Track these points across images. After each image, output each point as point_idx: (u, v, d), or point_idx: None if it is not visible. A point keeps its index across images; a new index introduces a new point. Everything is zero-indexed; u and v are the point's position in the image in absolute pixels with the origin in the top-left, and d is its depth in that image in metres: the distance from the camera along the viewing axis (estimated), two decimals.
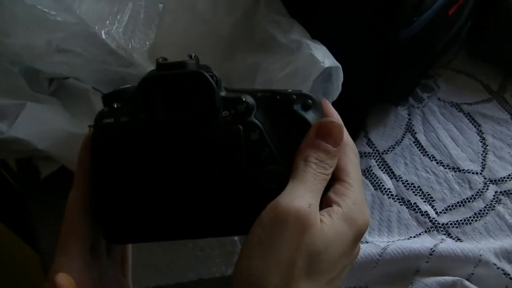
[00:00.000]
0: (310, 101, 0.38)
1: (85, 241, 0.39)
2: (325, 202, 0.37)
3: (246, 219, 0.36)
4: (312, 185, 0.36)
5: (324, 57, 0.61)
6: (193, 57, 0.39)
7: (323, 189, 0.37)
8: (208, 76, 0.36)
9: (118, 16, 0.70)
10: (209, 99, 0.36)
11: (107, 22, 0.69)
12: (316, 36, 0.64)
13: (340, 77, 0.62)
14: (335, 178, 0.39)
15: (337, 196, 0.37)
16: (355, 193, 0.38)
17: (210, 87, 0.36)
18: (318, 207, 0.36)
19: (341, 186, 0.38)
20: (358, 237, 0.37)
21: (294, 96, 0.38)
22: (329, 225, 0.35)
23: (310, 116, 0.38)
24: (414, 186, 0.68)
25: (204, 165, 0.37)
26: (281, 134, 0.38)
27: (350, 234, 0.36)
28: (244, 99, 0.37)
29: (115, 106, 0.39)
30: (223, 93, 0.38)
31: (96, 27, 0.68)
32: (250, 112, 0.37)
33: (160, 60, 0.38)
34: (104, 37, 0.68)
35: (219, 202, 0.37)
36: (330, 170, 0.38)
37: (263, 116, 0.38)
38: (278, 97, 0.38)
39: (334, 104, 0.63)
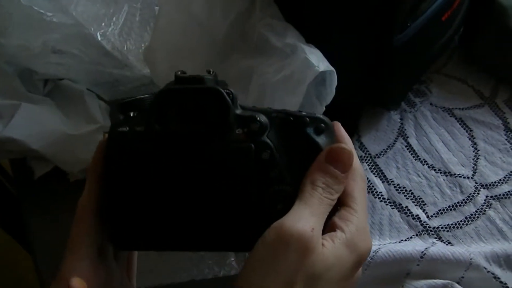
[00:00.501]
0: (323, 125, 0.39)
1: (93, 243, 0.39)
2: (329, 226, 0.38)
3: (250, 236, 0.36)
4: (317, 209, 0.37)
5: (318, 61, 0.61)
6: (211, 72, 0.39)
7: (328, 213, 0.38)
8: (225, 93, 0.37)
9: (114, 18, 0.70)
10: (223, 116, 0.37)
11: (103, 24, 0.69)
12: (311, 40, 0.64)
13: (334, 81, 0.63)
14: (341, 203, 0.39)
15: (341, 221, 0.38)
16: (359, 219, 0.38)
17: (226, 104, 0.37)
18: (321, 231, 0.36)
19: (346, 212, 0.38)
20: (359, 263, 0.38)
21: (307, 119, 0.39)
22: (330, 250, 0.36)
23: (321, 140, 0.39)
24: (406, 190, 0.68)
25: (213, 180, 0.37)
26: (292, 155, 0.38)
27: (351, 259, 0.37)
28: (258, 118, 0.38)
29: (131, 115, 0.39)
30: (238, 111, 0.38)
31: (92, 29, 0.69)
32: (263, 131, 0.38)
33: (178, 73, 0.38)
34: (99, 38, 0.68)
35: (225, 217, 0.38)
36: (336, 196, 0.38)
37: (275, 136, 0.38)
38: (291, 118, 0.39)
39: (327, 107, 0.64)
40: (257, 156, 0.37)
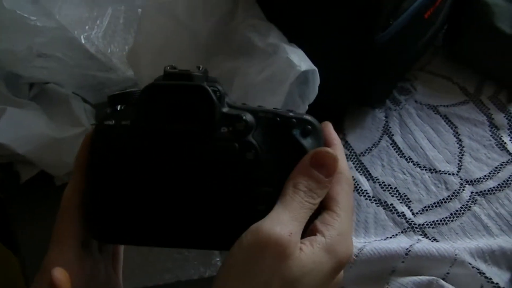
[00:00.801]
0: (309, 127, 0.38)
1: (78, 235, 0.39)
2: (310, 230, 0.37)
3: (230, 236, 0.36)
4: (297, 213, 0.36)
5: (300, 60, 0.61)
6: (200, 68, 0.39)
7: (308, 217, 0.37)
8: (211, 92, 0.37)
9: (98, 21, 0.71)
10: (208, 114, 0.37)
11: (87, 27, 0.70)
12: (294, 39, 0.65)
13: (316, 80, 0.63)
14: (324, 207, 0.39)
15: (323, 225, 0.37)
16: (341, 224, 0.37)
17: (211, 102, 0.37)
18: (299, 236, 0.36)
19: (328, 216, 0.38)
20: (338, 268, 0.37)
21: (294, 120, 0.38)
22: (308, 254, 0.35)
23: (307, 142, 0.38)
24: (391, 188, 0.69)
25: (197, 178, 0.37)
26: (276, 157, 0.38)
27: (329, 265, 0.36)
28: (244, 117, 0.37)
29: (118, 108, 0.39)
30: (225, 109, 0.38)
31: (76, 32, 0.69)
32: (248, 131, 0.37)
33: (168, 68, 0.38)
34: (83, 42, 0.69)
35: (206, 215, 0.38)
36: (318, 200, 0.38)
37: (261, 136, 0.38)
38: (278, 119, 0.38)
39: (311, 106, 0.64)
40: (241, 155, 0.37)
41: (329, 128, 0.42)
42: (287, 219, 0.35)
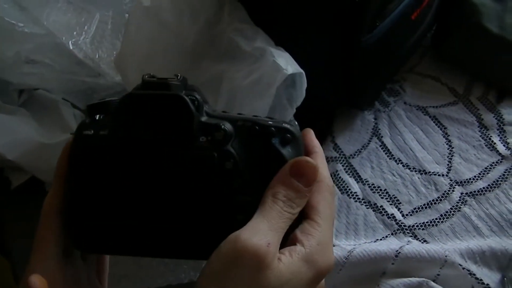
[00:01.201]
0: (289, 135, 0.38)
1: (59, 243, 0.39)
2: (290, 240, 0.37)
3: (209, 245, 0.35)
4: (275, 223, 0.36)
5: (287, 64, 0.62)
6: (179, 77, 0.38)
7: (287, 227, 0.37)
8: (188, 101, 0.36)
9: (86, 27, 0.71)
10: (186, 124, 0.37)
11: (75, 32, 0.70)
12: (280, 43, 0.65)
13: (303, 83, 0.63)
14: (305, 216, 0.38)
15: (303, 235, 0.37)
16: (321, 233, 0.37)
17: (189, 112, 0.36)
18: (277, 246, 0.36)
19: (308, 225, 0.37)
20: (317, 279, 0.37)
21: (273, 128, 0.38)
22: (286, 265, 0.35)
23: (287, 151, 0.38)
24: (381, 189, 0.69)
25: (175, 187, 0.37)
26: (256, 166, 0.38)
27: (308, 275, 0.36)
28: (222, 127, 0.37)
29: (97, 118, 0.39)
30: (203, 118, 0.37)
31: (64, 38, 0.69)
32: (227, 140, 0.37)
33: (146, 77, 0.38)
34: (71, 47, 0.69)
35: (185, 224, 0.38)
36: (297, 210, 0.37)
37: (240, 145, 0.37)
38: (257, 127, 0.38)
39: (299, 109, 0.64)
40: (220, 165, 0.37)
41: (310, 135, 0.42)
42: (265, 229, 0.35)
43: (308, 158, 0.38)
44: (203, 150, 0.37)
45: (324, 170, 0.40)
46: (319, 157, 0.41)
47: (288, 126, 0.38)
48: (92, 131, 0.38)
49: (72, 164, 0.39)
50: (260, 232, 0.35)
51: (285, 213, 0.36)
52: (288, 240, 0.37)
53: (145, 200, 0.38)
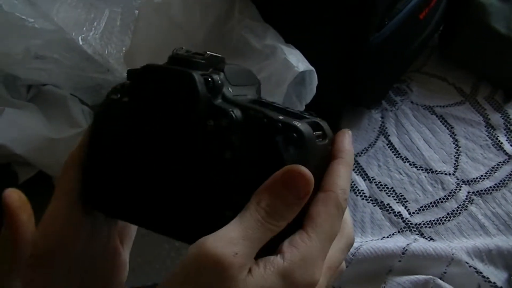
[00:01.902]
0: (294, 135, 0.34)
1: (77, 194, 0.38)
2: (278, 250, 0.33)
3: (196, 232, 0.33)
4: (252, 233, 0.31)
5: (298, 61, 0.62)
6: (205, 55, 0.36)
7: (268, 239, 0.32)
8: (196, 79, 0.34)
9: (95, 23, 0.71)
10: (191, 103, 0.35)
11: (84, 28, 0.70)
12: (290, 40, 0.65)
13: (314, 80, 0.63)
14: (302, 225, 0.34)
15: (288, 246, 0.32)
16: (310, 248, 0.32)
17: (194, 91, 0.34)
18: (248, 257, 0.31)
19: (298, 236, 0.33)
20: None
21: (280, 124, 0.34)
22: (256, 278, 0.31)
23: (288, 153, 0.33)
24: (387, 187, 0.69)
25: (173, 165, 0.37)
26: (255, 162, 0.34)
27: None
28: (230, 113, 0.34)
29: (127, 83, 0.38)
30: (218, 101, 0.35)
31: (73, 34, 0.69)
32: (231, 128, 0.34)
33: (175, 50, 0.36)
34: (81, 43, 0.69)
35: (177, 203, 0.36)
36: (283, 222, 0.33)
37: (245, 137, 0.34)
38: (265, 120, 0.34)
39: (308, 107, 0.65)
40: (219, 153, 0.34)
41: (342, 138, 0.37)
42: (237, 238, 0.31)
43: (302, 168, 0.32)
44: (206, 134, 0.35)
45: (340, 179, 0.35)
46: (341, 164, 0.35)
47: (298, 124, 0.34)
48: (118, 96, 0.38)
49: (95, 124, 0.39)
50: (230, 240, 0.31)
51: (267, 224, 0.32)
52: (275, 250, 0.33)
53: (147, 170, 0.37)
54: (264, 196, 0.32)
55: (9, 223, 0.34)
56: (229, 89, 0.36)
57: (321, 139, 0.35)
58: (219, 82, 0.35)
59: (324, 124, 0.36)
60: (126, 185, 0.38)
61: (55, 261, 0.37)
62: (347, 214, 0.37)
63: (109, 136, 0.38)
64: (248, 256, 0.31)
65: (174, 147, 0.36)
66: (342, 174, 0.35)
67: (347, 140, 0.36)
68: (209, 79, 0.34)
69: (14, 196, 0.34)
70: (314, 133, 0.35)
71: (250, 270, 0.31)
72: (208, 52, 0.36)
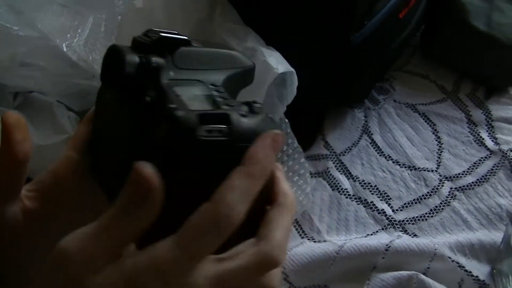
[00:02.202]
0: (168, 124, 0.31)
1: (81, 161, 0.39)
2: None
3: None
4: (105, 230, 0.30)
5: (278, 63, 0.63)
6: (154, 37, 0.35)
7: (125, 238, 0.30)
8: (125, 55, 0.34)
9: (79, 30, 0.71)
10: (118, 82, 0.34)
11: (68, 35, 0.70)
12: (271, 42, 0.66)
13: (294, 81, 0.64)
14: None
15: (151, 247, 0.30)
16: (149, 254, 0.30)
17: (122, 66, 0.34)
18: (101, 257, 0.30)
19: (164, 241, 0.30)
20: None
21: (165, 113, 0.32)
22: (99, 281, 0.29)
23: (159, 140, 0.32)
24: (371, 186, 0.70)
25: (117, 136, 0.36)
26: (140, 143, 0.34)
27: None
28: (144, 97, 0.33)
29: None
30: (171, 73, 0.35)
31: (58, 41, 0.70)
32: (144, 111, 0.33)
33: (142, 34, 0.37)
34: (65, 50, 0.69)
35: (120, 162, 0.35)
36: (138, 221, 0.30)
37: (147, 117, 0.33)
38: (154, 105, 0.33)
39: (290, 108, 0.65)
40: (149, 134, 0.32)
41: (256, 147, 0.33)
42: (88, 234, 0.30)
43: (143, 168, 0.30)
44: (140, 111, 0.33)
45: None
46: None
47: (179, 113, 0.31)
48: None
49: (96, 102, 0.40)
50: (81, 235, 0.30)
51: (120, 222, 0.30)
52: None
53: (104, 137, 0.39)
54: (122, 192, 0.30)
55: (4, 140, 0.35)
56: (171, 72, 0.35)
57: (219, 134, 0.32)
58: (160, 65, 0.34)
59: (250, 121, 0.33)
60: (100, 157, 0.39)
61: (57, 200, 0.38)
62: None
63: (97, 112, 0.40)
64: (98, 255, 0.29)
65: (119, 119, 0.37)
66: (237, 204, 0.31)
67: (258, 149, 0.32)
68: (146, 62, 0.34)
69: (13, 116, 0.35)
70: (204, 126, 0.31)
71: (97, 271, 0.29)
72: (163, 34, 0.36)
